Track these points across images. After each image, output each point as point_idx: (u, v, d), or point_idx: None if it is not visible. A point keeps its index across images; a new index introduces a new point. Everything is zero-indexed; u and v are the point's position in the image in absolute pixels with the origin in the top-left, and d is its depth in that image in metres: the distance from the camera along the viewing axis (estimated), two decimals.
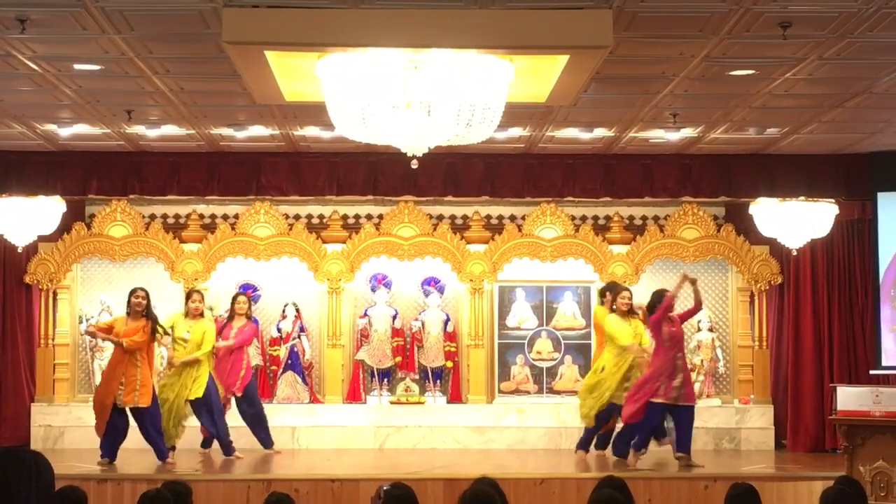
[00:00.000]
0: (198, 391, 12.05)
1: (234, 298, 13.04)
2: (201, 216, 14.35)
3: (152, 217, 14.33)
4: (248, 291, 14.12)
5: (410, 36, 7.90)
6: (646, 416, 11.48)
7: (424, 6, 7.81)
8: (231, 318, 12.91)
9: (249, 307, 13.07)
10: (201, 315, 12.40)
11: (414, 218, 14.13)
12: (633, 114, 11.30)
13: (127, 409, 11.55)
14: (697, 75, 9.70)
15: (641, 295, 13.36)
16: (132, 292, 11.85)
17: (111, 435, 11.51)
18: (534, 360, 14.31)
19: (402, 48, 7.99)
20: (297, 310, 14.08)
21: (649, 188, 13.56)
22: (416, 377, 14.18)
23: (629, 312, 12.34)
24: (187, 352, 12.13)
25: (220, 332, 12.68)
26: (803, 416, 13.71)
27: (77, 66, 9.52)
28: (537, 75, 8.98)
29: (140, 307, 11.67)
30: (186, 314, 12.41)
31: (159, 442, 11.65)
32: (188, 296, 12.62)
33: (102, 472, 11.03)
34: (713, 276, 14.55)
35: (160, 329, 11.84)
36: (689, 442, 11.67)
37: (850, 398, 10.15)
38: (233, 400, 12.75)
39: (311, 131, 12.12)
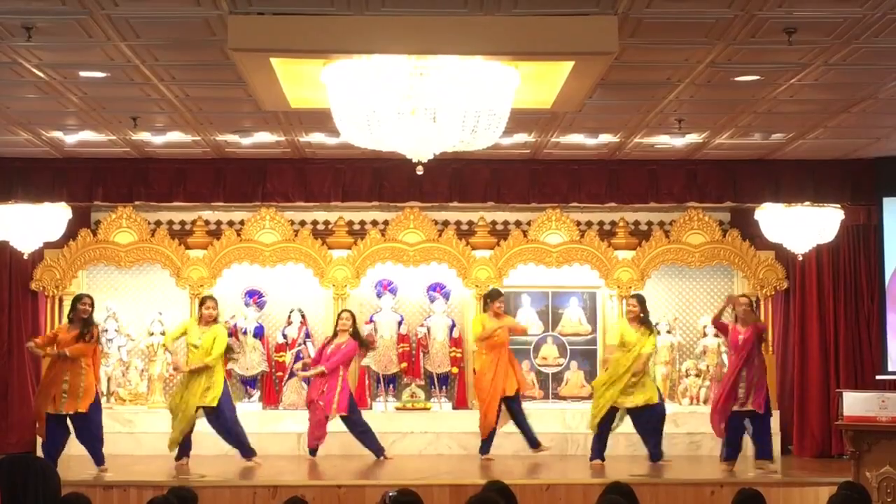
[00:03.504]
0: (212, 400, 11.99)
1: (339, 315, 12.92)
2: (207, 222, 14.38)
3: (158, 223, 14.36)
4: (255, 297, 14.17)
5: (416, 42, 7.90)
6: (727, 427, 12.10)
7: (430, 13, 7.82)
8: (334, 334, 12.83)
9: (354, 323, 12.85)
10: (214, 321, 12.30)
11: (419, 224, 14.15)
12: (639, 119, 11.30)
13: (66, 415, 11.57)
14: (703, 81, 9.70)
15: (648, 301, 13.39)
16: (79, 299, 11.87)
17: (51, 441, 11.52)
18: (539, 365, 14.32)
19: (408, 55, 8.00)
20: (303, 316, 14.10)
21: (655, 194, 13.55)
22: (422, 383, 14.19)
23: (635, 319, 12.45)
24: (196, 358, 12.09)
25: (322, 349, 12.76)
26: (809, 421, 13.69)
27: (83, 74, 9.54)
28: (543, 81, 8.99)
29: (86, 314, 11.70)
30: (199, 320, 12.37)
31: (98, 447, 11.61)
32: (202, 302, 12.56)
33: (108, 478, 11.04)
34: (718, 282, 14.57)
35: (96, 332, 11.83)
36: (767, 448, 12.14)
37: (856, 404, 10.12)
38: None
39: (316, 137, 12.13)
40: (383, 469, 12.28)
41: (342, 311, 13.05)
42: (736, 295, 12.75)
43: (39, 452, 12.76)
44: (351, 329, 12.74)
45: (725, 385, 12.10)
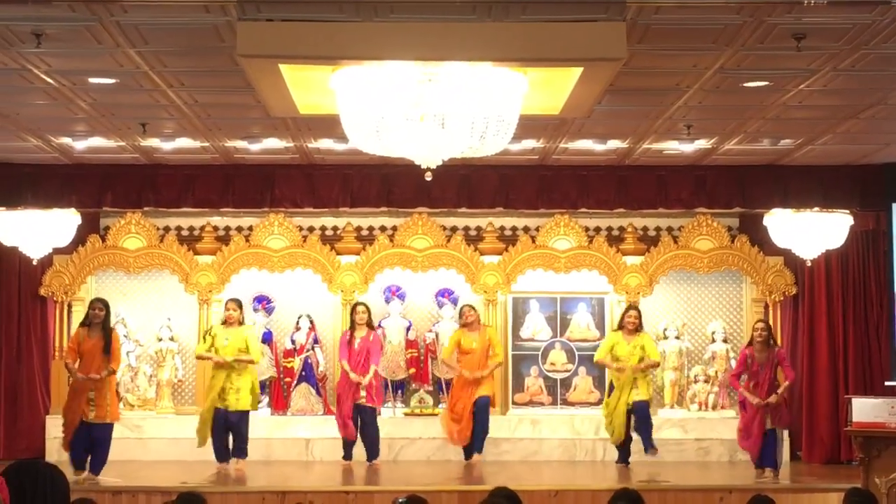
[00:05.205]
0: (244, 403, 12.15)
1: (353, 308, 13.01)
2: (216, 228, 14.38)
3: (167, 229, 14.37)
4: (263, 303, 14.18)
5: (424, 49, 7.91)
6: None
7: (438, 19, 7.82)
8: (353, 328, 12.90)
9: (369, 316, 12.95)
10: (240, 323, 12.45)
11: (428, 229, 14.14)
12: (648, 125, 11.30)
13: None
14: (711, 87, 9.70)
15: (657, 306, 13.40)
16: (91, 304, 11.90)
17: (79, 447, 11.46)
18: (548, 371, 14.29)
19: (416, 61, 8.01)
20: (311, 321, 14.09)
21: (663, 199, 13.55)
22: (430, 389, 14.17)
23: (636, 330, 12.58)
24: (227, 352, 12.17)
25: (344, 345, 12.83)
26: (818, 427, 13.67)
27: (92, 80, 9.56)
28: (551, 87, 8.99)
29: (98, 318, 11.60)
30: (223, 323, 12.49)
31: (102, 457, 11.50)
32: (225, 306, 12.69)
33: (117, 483, 11.05)
34: (727, 287, 14.53)
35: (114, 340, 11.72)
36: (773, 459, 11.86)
37: (865, 410, 10.11)
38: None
39: (324, 143, 12.15)
40: (392, 475, 12.27)
41: (357, 303, 13.13)
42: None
43: (48, 458, 12.80)
44: (367, 321, 12.87)
45: (750, 415, 11.84)
